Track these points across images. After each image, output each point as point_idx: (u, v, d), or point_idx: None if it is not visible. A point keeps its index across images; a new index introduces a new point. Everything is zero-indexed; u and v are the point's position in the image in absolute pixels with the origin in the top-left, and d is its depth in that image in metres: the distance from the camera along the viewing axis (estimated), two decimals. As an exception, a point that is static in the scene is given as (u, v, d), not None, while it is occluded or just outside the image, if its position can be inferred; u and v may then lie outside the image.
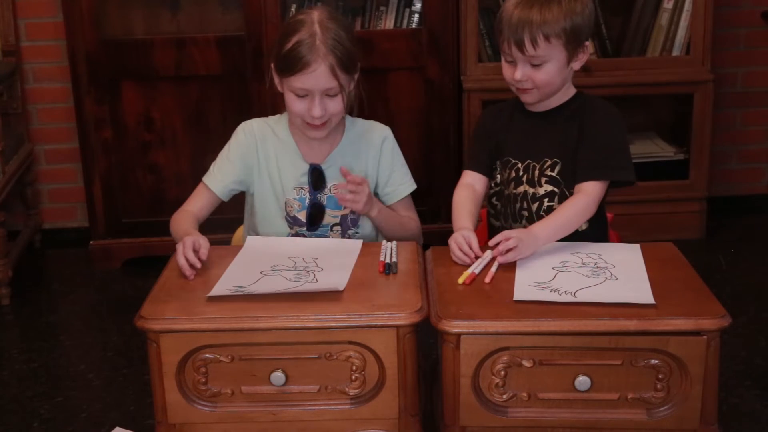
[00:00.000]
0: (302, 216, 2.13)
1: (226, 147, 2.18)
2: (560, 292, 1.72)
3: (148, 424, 2.45)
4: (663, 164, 3.61)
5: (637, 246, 1.94)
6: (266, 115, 2.23)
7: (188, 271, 1.85)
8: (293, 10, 3.38)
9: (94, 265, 3.56)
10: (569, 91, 2.09)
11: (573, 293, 1.72)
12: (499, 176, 2.14)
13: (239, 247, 2.02)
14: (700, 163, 3.56)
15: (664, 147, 3.66)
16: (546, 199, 2.06)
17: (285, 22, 2.28)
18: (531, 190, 2.07)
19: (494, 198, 2.16)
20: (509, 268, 1.85)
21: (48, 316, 3.27)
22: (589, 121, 2.05)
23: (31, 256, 3.72)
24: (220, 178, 2.15)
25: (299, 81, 2.01)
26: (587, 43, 2.05)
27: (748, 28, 3.77)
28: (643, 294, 1.71)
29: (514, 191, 2.09)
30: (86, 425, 2.54)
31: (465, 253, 1.89)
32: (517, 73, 2.00)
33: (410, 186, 2.22)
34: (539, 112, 2.09)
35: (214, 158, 2.20)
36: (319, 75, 1.99)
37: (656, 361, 1.66)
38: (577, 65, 2.04)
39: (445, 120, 3.47)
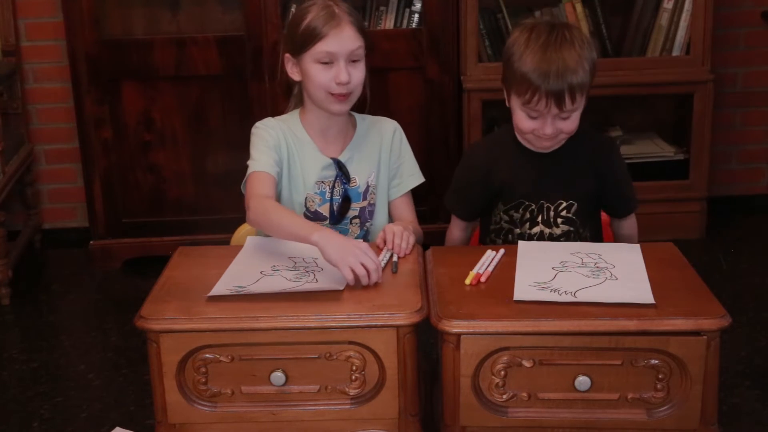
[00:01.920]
0: (323, 210, 2.14)
1: (258, 140, 2.12)
2: (560, 292, 1.72)
3: (148, 424, 2.45)
4: (663, 164, 3.61)
5: (637, 246, 1.94)
6: (266, 115, 2.23)
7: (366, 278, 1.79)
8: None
9: (94, 265, 3.56)
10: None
11: (573, 293, 1.72)
12: (505, 215, 2.09)
13: (239, 247, 2.01)
14: (700, 163, 3.56)
15: (664, 147, 3.66)
16: (563, 239, 2.05)
17: (290, 16, 2.30)
18: (547, 231, 2.06)
19: (502, 235, 2.11)
20: (509, 268, 1.85)
21: (48, 316, 3.27)
22: (606, 160, 2.08)
23: (31, 256, 3.72)
24: (270, 162, 2.08)
25: (325, 45, 2.03)
26: None
27: (748, 28, 3.78)
28: (643, 294, 1.71)
29: (530, 231, 2.07)
30: (86, 425, 2.54)
31: None
32: (547, 129, 1.95)
33: (417, 179, 2.23)
34: (550, 153, 2.05)
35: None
36: (344, 36, 2.04)
37: (656, 361, 1.66)
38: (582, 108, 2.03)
39: (445, 120, 3.47)
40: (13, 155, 3.46)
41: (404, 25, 3.43)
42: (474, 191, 2.13)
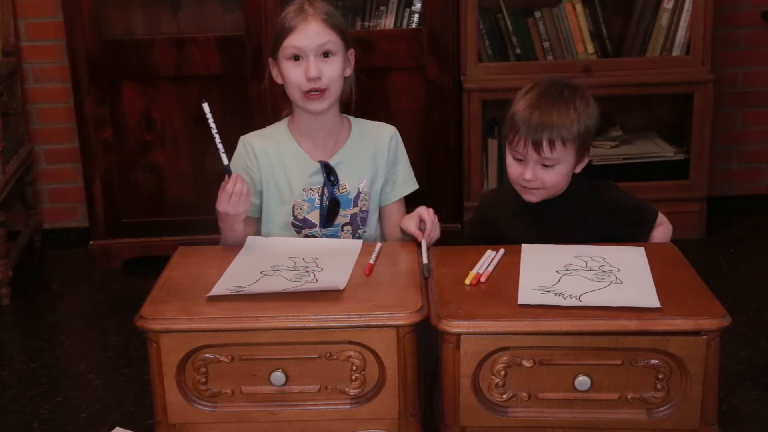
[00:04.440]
0: (312, 217, 2.13)
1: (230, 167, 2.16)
2: (565, 296, 1.71)
3: (148, 424, 2.45)
4: (663, 164, 3.61)
5: (642, 249, 1.93)
6: (266, 115, 2.24)
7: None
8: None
9: (94, 265, 3.56)
10: (568, 181, 2.09)
11: (578, 297, 1.71)
12: None
13: (239, 247, 2.01)
14: (700, 163, 3.56)
15: (664, 147, 3.66)
16: None
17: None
18: None
19: None
20: (509, 268, 1.85)
21: (48, 316, 3.27)
22: (603, 198, 2.08)
23: (31, 256, 3.72)
24: None
25: (292, 39, 2.04)
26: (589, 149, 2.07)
27: (748, 28, 3.77)
28: (649, 298, 1.70)
29: None
30: (86, 425, 2.54)
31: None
32: (527, 173, 1.99)
33: (411, 186, 2.22)
34: (544, 201, 2.07)
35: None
36: (310, 30, 2.03)
37: (656, 361, 1.66)
38: (578, 168, 2.05)
39: (445, 120, 3.47)
40: (13, 155, 3.46)
41: (404, 25, 3.43)
42: (476, 234, 2.18)
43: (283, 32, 2.05)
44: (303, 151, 2.13)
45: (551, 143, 1.96)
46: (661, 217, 2.13)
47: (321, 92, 2.05)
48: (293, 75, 2.05)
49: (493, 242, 2.02)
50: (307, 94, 2.05)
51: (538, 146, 1.97)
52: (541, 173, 2.00)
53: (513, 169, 2.04)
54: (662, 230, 2.12)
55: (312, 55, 2.03)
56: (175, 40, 3.37)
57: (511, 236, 2.03)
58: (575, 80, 2.09)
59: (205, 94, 3.39)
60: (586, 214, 2.06)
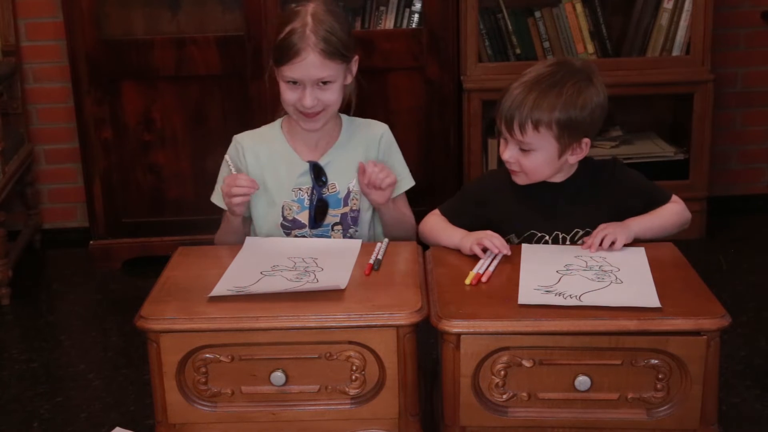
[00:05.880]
0: (302, 217, 2.11)
1: (224, 164, 2.14)
2: (565, 296, 1.71)
3: (148, 424, 2.45)
4: (663, 164, 3.61)
5: (642, 249, 1.93)
6: (266, 115, 2.22)
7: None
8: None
9: (94, 265, 3.56)
10: (575, 166, 2.01)
11: (578, 297, 1.71)
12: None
13: (239, 247, 2.01)
14: (700, 163, 3.56)
15: (664, 147, 3.66)
16: None
17: (283, 11, 2.25)
18: None
19: None
20: (510, 268, 1.85)
21: (48, 316, 3.27)
22: (611, 181, 2.01)
23: (31, 256, 3.72)
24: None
25: (290, 70, 2.00)
26: (587, 140, 1.95)
27: (748, 28, 3.78)
28: (649, 298, 1.70)
29: None
30: (86, 425, 2.54)
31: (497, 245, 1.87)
32: (505, 153, 1.95)
33: (407, 183, 2.20)
34: (554, 183, 2.01)
35: (214, 158, 2.20)
36: (308, 64, 1.98)
37: (656, 361, 1.66)
38: (573, 159, 1.96)
39: (445, 120, 3.47)
40: (13, 155, 3.46)
41: (404, 25, 3.43)
42: (465, 204, 2.08)
43: (283, 56, 1.99)
44: (294, 151, 2.12)
45: (521, 126, 1.89)
46: (675, 198, 2.04)
47: (316, 114, 2.04)
48: (289, 96, 2.03)
49: (482, 228, 1.95)
50: (303, 114, 2.04)
51: (509, 127, 1.91)
52: (518, 156, 1.94)
53: (500, 147, 1.98)
54: (674, 205, 2.03)
55: (309, 86, 2.00)
56: (175, 40, 3.37)
57: (522, 218, 1.99)
58: (590, 65, 1.99)
59: (205, 94, 3.41)
60: (593, 199, 2.00)
